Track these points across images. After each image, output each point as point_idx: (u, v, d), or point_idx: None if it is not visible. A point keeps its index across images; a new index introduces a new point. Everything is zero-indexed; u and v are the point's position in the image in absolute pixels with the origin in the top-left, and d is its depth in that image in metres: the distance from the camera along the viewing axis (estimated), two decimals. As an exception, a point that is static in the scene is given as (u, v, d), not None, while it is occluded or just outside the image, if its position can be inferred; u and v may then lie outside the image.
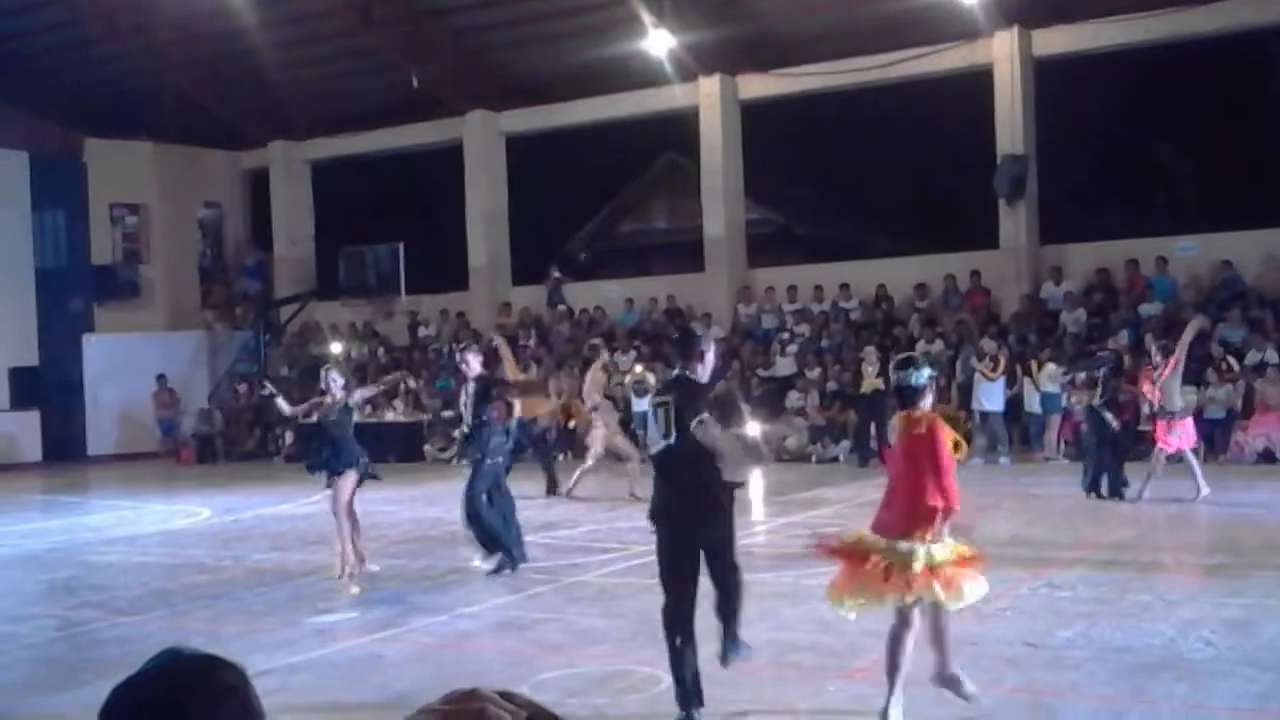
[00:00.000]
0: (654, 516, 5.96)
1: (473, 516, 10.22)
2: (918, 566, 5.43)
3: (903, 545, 5.48)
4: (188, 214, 27.12)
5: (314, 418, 11.30)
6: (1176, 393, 13.01)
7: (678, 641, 5.76)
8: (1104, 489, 13.35)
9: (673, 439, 5.73)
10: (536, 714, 1.01)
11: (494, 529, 10.20)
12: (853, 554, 5.68)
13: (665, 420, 5.76)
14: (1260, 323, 18.16)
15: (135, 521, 15.13)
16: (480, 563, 10.42)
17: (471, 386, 10.45)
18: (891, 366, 6.06)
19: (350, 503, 10.32)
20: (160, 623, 8.86)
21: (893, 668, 5.67)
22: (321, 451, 10.58)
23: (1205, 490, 12.75)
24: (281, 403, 11.36)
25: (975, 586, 5.62)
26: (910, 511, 5.52)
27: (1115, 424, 13.49)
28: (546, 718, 1.01)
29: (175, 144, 26.34)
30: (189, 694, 1.34)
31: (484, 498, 10.20)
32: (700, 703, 5.83)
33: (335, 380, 10.63)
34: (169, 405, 24.98)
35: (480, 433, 10.25)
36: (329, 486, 10.48)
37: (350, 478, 10.32)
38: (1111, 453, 13.45)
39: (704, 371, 5.98)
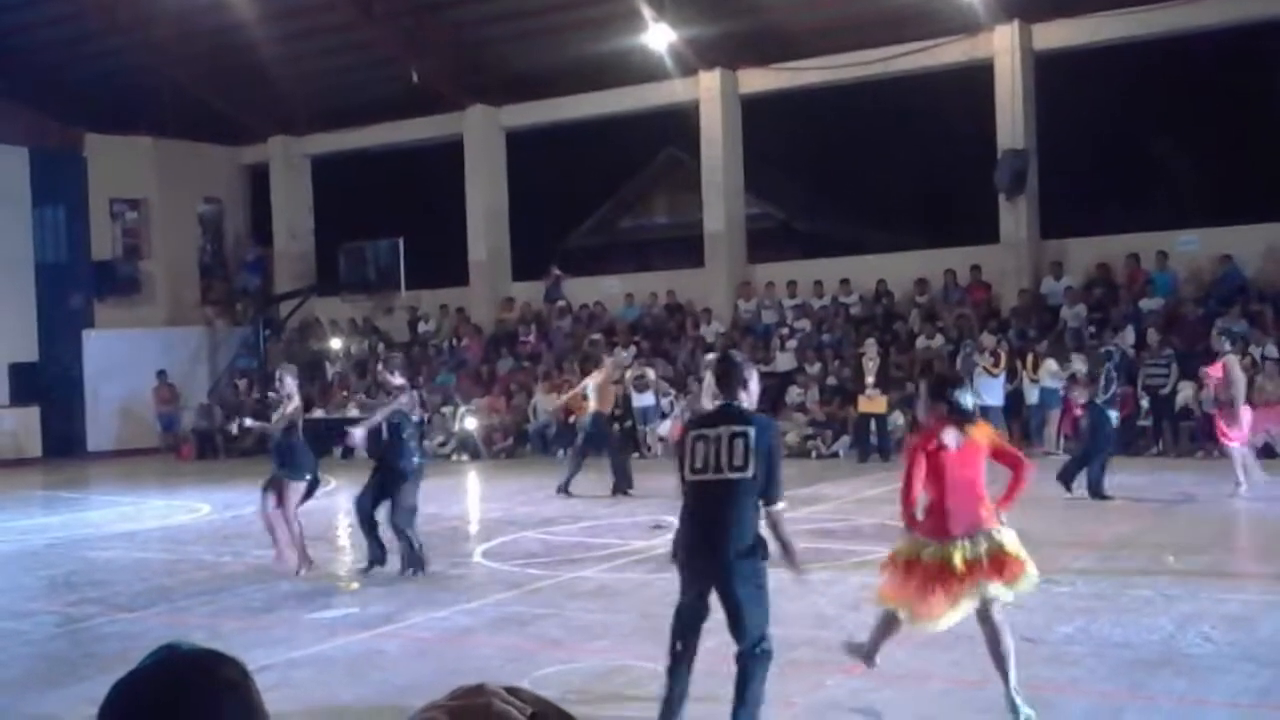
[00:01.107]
0: (676, 556, 5.66)
1: (398, 524, 10.05)
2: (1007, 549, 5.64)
3: (981, 536, 5.65)
4: (188, 209, 27.10)
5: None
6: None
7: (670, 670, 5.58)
8: (1076, 485, 13.09)
9: (749, 473, 5.38)
10: (542, 709, 1.01)
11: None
12: (935, 572, 5.61)
13: (745, 452, 5.39)
14: (1260, 317, 18.16)
15: (135, 517, 15.13)
16: (481, 557, 10.45)
17: (392, 398, 10.26)
18: (931, 385, 6.22)
19: (292, 508, 10.24)
20: (160, 619, 8.86)
21: (1001, 661, 5.67)
22: (277, 457, 10.41)
23: (1244, 488, 12.65)
24: (261, 424, 11.30)
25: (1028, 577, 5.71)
26: (980, 509, 5.72)
27: (1117, 421, 13.45)
28: (553, 712, 1.01)
29: (175, 139, 26.32)
30: (191, 690, 1.33)
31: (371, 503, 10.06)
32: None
33: (289, 383, 10.45)
34: (169, 401, 24.98)
35: (396, 444, 10.03)
36: (272, 490, 10.28)
37: (299, 487, 10.25)
38: (1097, 451, 13.24)
39: (749, 400, 5.69)
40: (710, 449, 5.45)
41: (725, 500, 5.41)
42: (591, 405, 15.54)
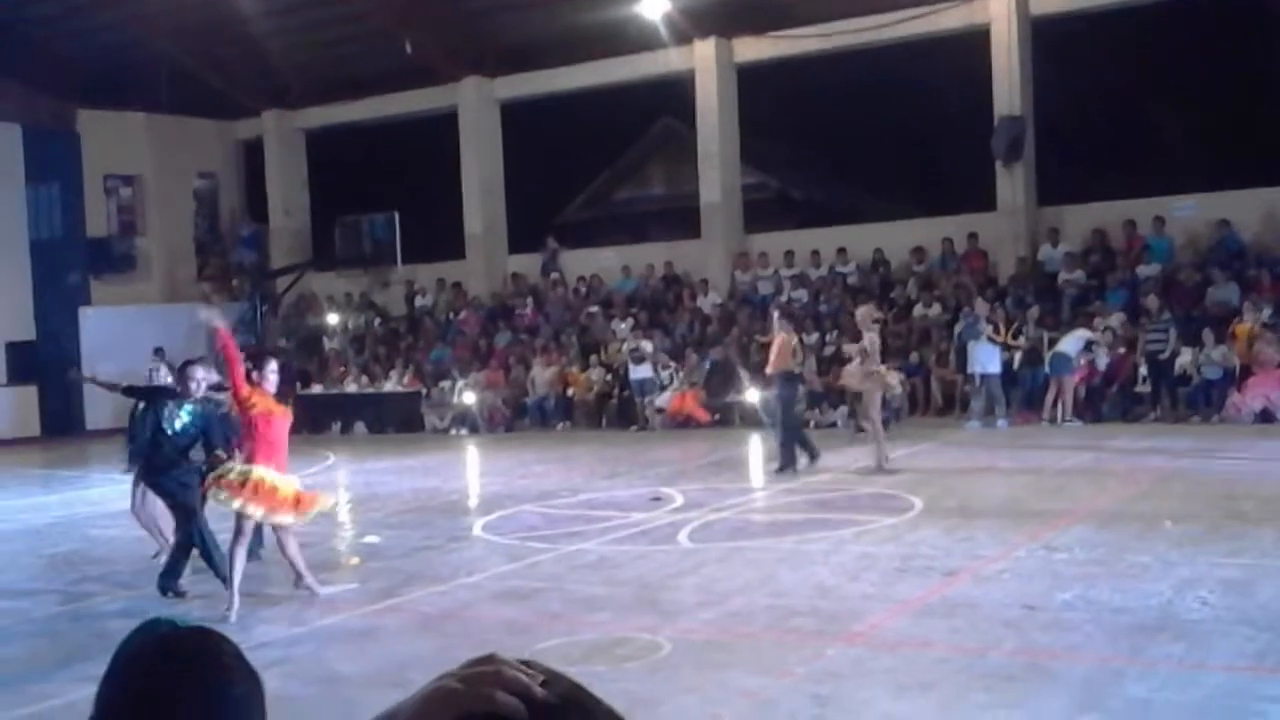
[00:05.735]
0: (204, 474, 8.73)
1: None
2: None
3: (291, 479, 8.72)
4: (183, 185, 27.02)
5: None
6: None
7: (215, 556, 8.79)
8: None
9: (194, 431, 8.98)
10: (553, 679, 1.01)
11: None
12: (267, 491, 8.35)
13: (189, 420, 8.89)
14: (1257, 282, 18.13)
15: (135, 494, 15.10)
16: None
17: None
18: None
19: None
20: (161, 597, 8.88)
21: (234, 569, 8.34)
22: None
23: None
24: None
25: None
26: (283, 458, 8.68)
27: None
28: (565, 682, 1.01)
29: (169, 114, 26.19)
30: (201, 664, 1.31)
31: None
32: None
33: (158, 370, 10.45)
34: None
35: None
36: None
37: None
38: None
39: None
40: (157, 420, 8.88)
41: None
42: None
